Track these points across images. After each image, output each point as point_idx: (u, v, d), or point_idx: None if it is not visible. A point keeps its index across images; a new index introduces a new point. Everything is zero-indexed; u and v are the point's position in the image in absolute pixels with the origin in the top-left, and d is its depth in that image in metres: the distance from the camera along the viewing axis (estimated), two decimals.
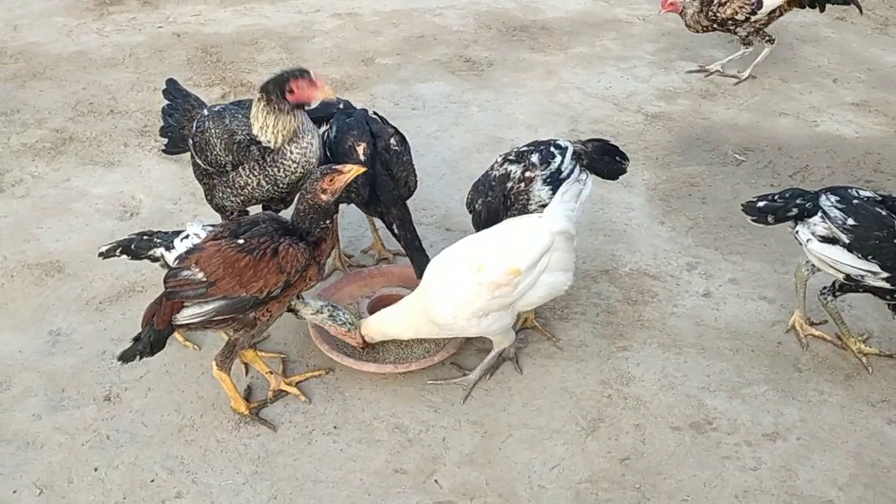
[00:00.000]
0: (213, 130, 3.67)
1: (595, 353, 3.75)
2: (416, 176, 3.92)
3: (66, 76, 5.97)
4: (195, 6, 7.13)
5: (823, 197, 3.50)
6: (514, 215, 3.59)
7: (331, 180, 3.19)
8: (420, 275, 3.60)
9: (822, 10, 5.83)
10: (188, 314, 3.08)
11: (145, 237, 3.32)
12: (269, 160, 3.58)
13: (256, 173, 3.62)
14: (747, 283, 4.16)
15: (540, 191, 3.60)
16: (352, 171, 3.22)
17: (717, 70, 6.07)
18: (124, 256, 3.32)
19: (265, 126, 3.51)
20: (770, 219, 3.57)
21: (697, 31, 5.88)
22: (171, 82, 4.15)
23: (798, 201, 3.52)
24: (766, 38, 5.87)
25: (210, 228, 3.28)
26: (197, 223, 3.31)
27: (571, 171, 3.68)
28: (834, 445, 3.33)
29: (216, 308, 3.09)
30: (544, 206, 3.58)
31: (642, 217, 4.63)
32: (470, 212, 3.76)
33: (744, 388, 3.58)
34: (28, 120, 5.44)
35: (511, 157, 3.72)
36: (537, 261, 3.28)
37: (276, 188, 3.66)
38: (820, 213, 3.46)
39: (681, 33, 6.03)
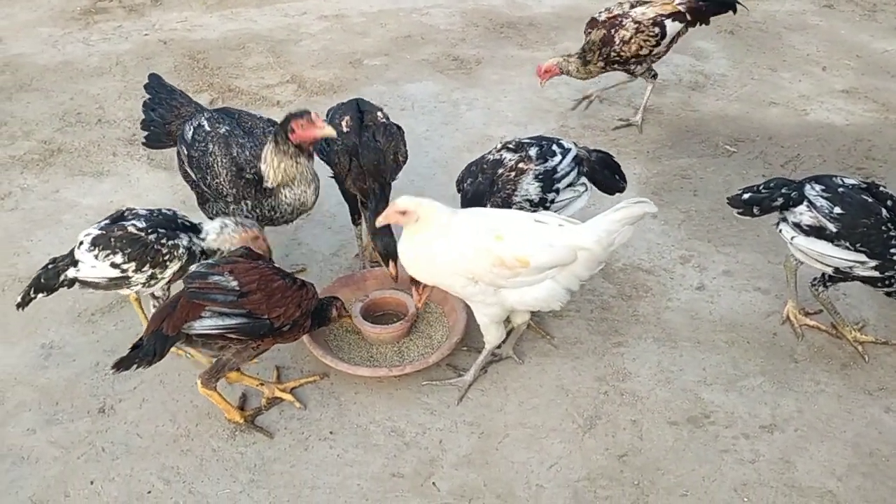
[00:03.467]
0: (218, 158, 3.65)
1: (590, 350, 3.73)
2: (405, 147, 3.93)
3: (53, 87, 5.94)
4: (181, 12, 7.09)
5: (808, 186, 3.48)
6: (497, 202, 3.55)
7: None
8: (381, 255, 3.69)
9: (707, 23, 5.24)
10: (207, 324, 3.04)
11: (49, 267, 3.34)
12: (266, 205, 3.65)
13: (257, 211, 3.67)
14: (741, 275, 4.15)
15: (529, 185, 3.57)
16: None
17: (598, 95, 5.62)
18: (40, 295, 3.34)
19: (270, 164, 3.56)
20: (755, 210, 3.55)
21: (592, 77, 5.23)
22: (154, 77, 4.13)
23: (783, 191, 3.50)
24: (653, 73, 5.29)
25: (97, 225, 3.34)
26: (84, 230, 3.35)
27: (568, 174, 3.66)
28: (832, 436, 3.32)
29: (235, 325, 3.08)
30: (529, 200, 3.56)
31: None
32: (458, 190, 3.75)
33: (740, 381, 3.57)
34: (16, 132, 5.41)
35: (510, 146, 3.72)
36: (549, 267, 3.23)
37: (273, 224, 3.76)
38: (805, 203, 3.44)
39: None
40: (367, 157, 3.75)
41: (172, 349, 3.58)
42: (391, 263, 3.67)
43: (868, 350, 3.67)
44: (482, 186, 3.62)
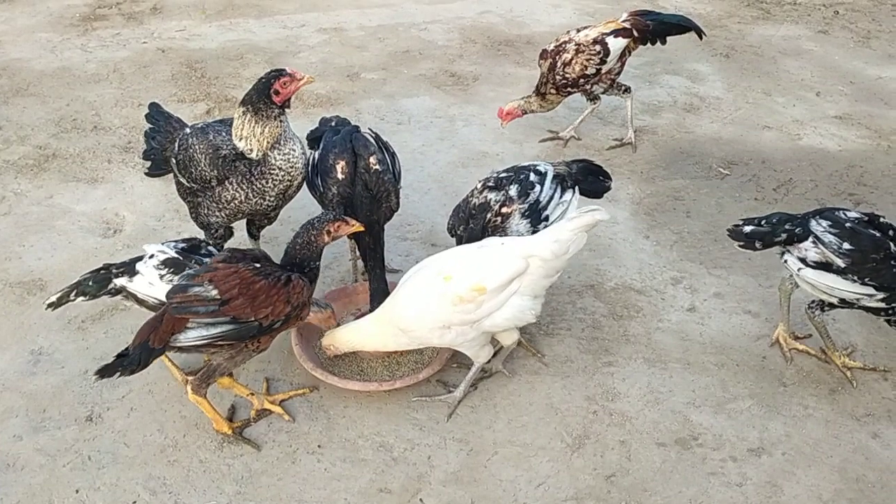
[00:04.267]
0: (197, 147, 3.69)
1: (580, 369, 3.74)
2: (398, 198, 3.83)
3: (50, 92, 5.95)
4: (180, 21, 7.12)
5: (814, 222, 3.46)
6: None
7: (337, 227, 3.33)
8: (373, 302, 3.67)
9: (664, 43, 5.32)
10: (193, 336, 3.03)
11: (101, 271, 3.26)
12: (256, 173, 3.61)
13: (244, 187, 3.64)
14: (732, 298, 4.16)
15: (518, 225, 3.58)
16: (355, 226, 3.43)
17: (571, 135, 5.51)
18: (80, 299, 3.22)
19: (251, 135, 3.55)
20: (758, 244, 3.53)
21: (555, 106, 5.29)
22: (154, 106, 4.16)
23: (787, 227, 3.48)
24: (623, 88, 5.32)
25: (172, 245, 3.29)
26: (153, 245, 3.30)
27: (551, 198, 3.66)
28: (819, 460, 3.33)
29: (222, 333, 3.06)
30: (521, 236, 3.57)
31: (627, 231, 4.64)
32: (452, 236, 3.76)
33: (729, 403, 3.58)
34: (11, 137, 5.41)
35: (490, 184, 3.71)
36: (506, 284, 3.25)
37: (263, 200, 3.69)
38: (812, 238, 3.43)
39: (664, 47, 6.05)
40: (360, 209, 3.70)
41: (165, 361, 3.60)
42: None
43: (856, 376, 3.69)
44: (476, 232, 3.63)
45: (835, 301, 3.49)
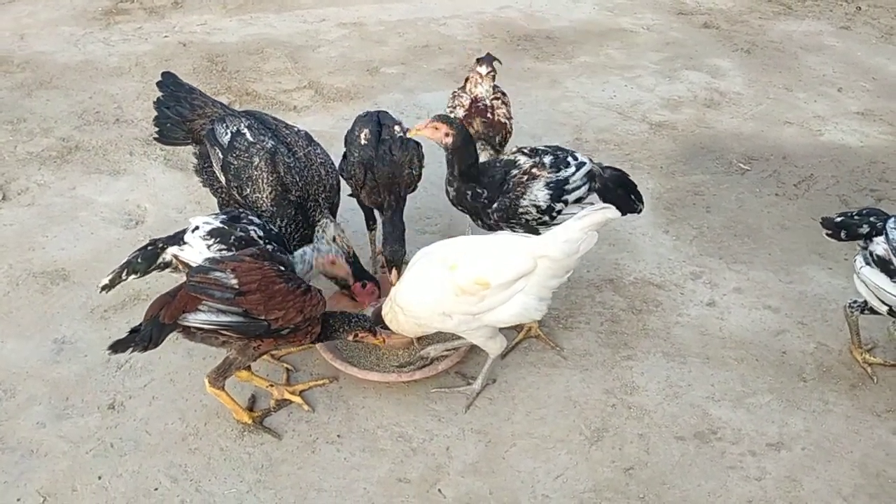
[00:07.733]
0: (264, 174, 3.64)
1: (599, 363, 3.74)
2: (421, 161, 3.97)
3: (73, 85, 6.00)
4: (201, 15, 7.16)
5: (892, 219, 3.47)
6: (505, 203, 3.60)
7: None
8: (387, 261, 3.78)
9: None
10: (201, 318, 3.06)
11: (148, 248, 3.34)
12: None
13: (291, 229, 3.69)
14: (752, 293, 4.15)
15: (538, 191, 3.60)
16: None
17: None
18: (131, 277, 3.32)
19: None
20: (843, 234, 3.55)
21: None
22: (169, 75, 4.14)
23: (871, 220, 3.50)
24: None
25: (215, 216, 3.40)
26: (199, 217, 3.40)
27: (579, 187, 3.66)
28: (839, 456, 3.32)
29: (230, 322, 3.09)
30: (536, 206, 3.60)
31: (647, 226, 4.63)
32: None
33: (748, 398, 3.57)
34: (34, 129, 5.46)
35: (525, 151, 3.76)
36: (512, 282, 3.22)
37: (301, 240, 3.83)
38: (884, 234, 3.43)
39: (685, 42, 6.02)
40: (381, 170, 3.79)
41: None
42: (394, 271, 3.74)
43: (876, 371, 3.67)
44: (494, 184, 3.67)
45: (883, 310, 3.46)
